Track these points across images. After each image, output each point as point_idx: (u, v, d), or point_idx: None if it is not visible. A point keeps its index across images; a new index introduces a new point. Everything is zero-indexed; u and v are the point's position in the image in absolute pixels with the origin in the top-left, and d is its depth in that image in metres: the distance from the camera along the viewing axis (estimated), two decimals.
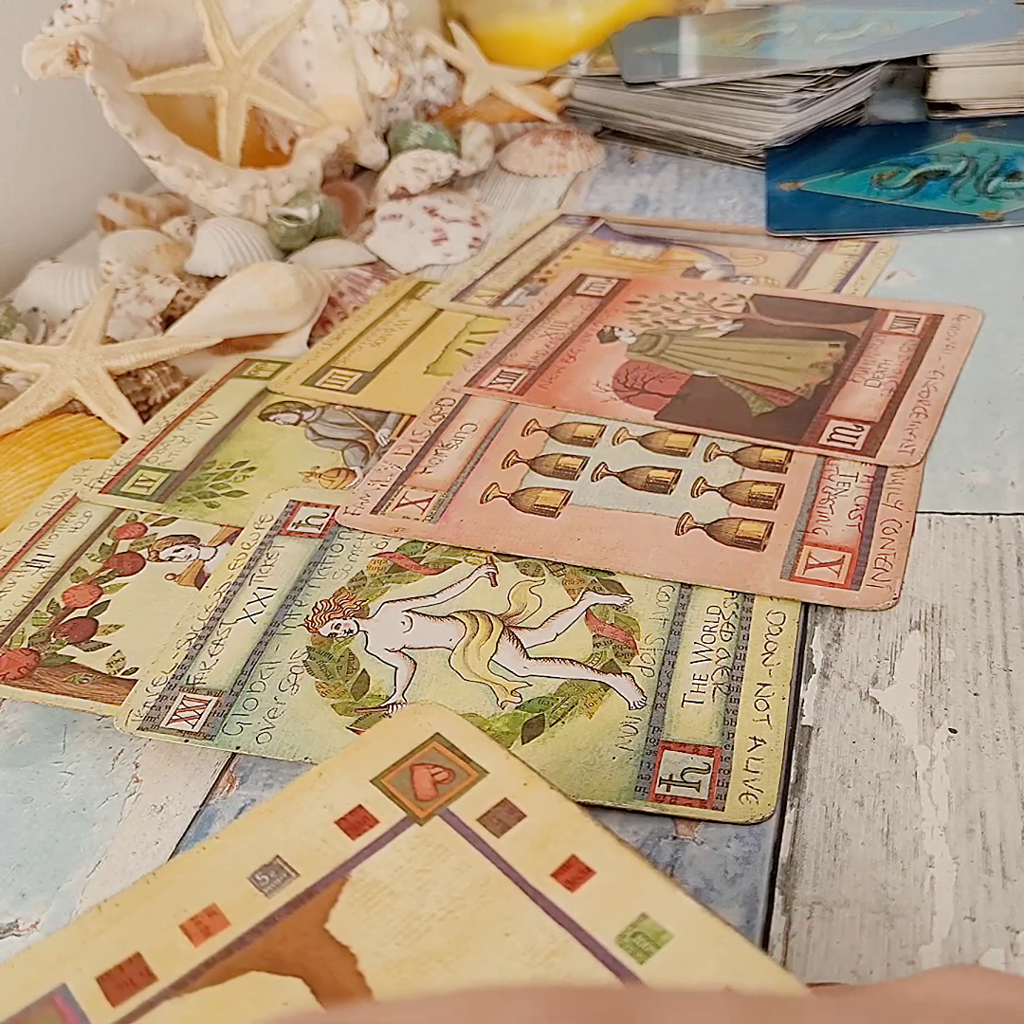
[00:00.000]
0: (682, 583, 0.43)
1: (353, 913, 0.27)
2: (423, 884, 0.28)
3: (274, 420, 0.55)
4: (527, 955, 0.26)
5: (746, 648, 0.40)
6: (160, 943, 0.27)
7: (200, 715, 0.39)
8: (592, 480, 0.48)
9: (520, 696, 0.39)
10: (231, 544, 0.47)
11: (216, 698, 0.40)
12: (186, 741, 0.38)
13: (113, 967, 0.27)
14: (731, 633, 0.40)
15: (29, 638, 0.43)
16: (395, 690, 0.39)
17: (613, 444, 0.51)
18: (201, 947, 0.27)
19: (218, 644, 0.42)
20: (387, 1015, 0.17)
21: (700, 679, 0.39)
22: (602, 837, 0.28)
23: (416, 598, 0.43)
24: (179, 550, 0.47)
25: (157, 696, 0.40)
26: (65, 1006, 0.26)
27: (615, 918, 0.26)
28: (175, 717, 0.39)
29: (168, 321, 0.65)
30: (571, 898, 0.27)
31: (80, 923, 0.28)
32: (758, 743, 0.36)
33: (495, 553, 0.45)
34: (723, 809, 0.34)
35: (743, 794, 0.35)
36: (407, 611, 0.43)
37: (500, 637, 0.41)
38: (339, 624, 0.43)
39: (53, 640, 0.43)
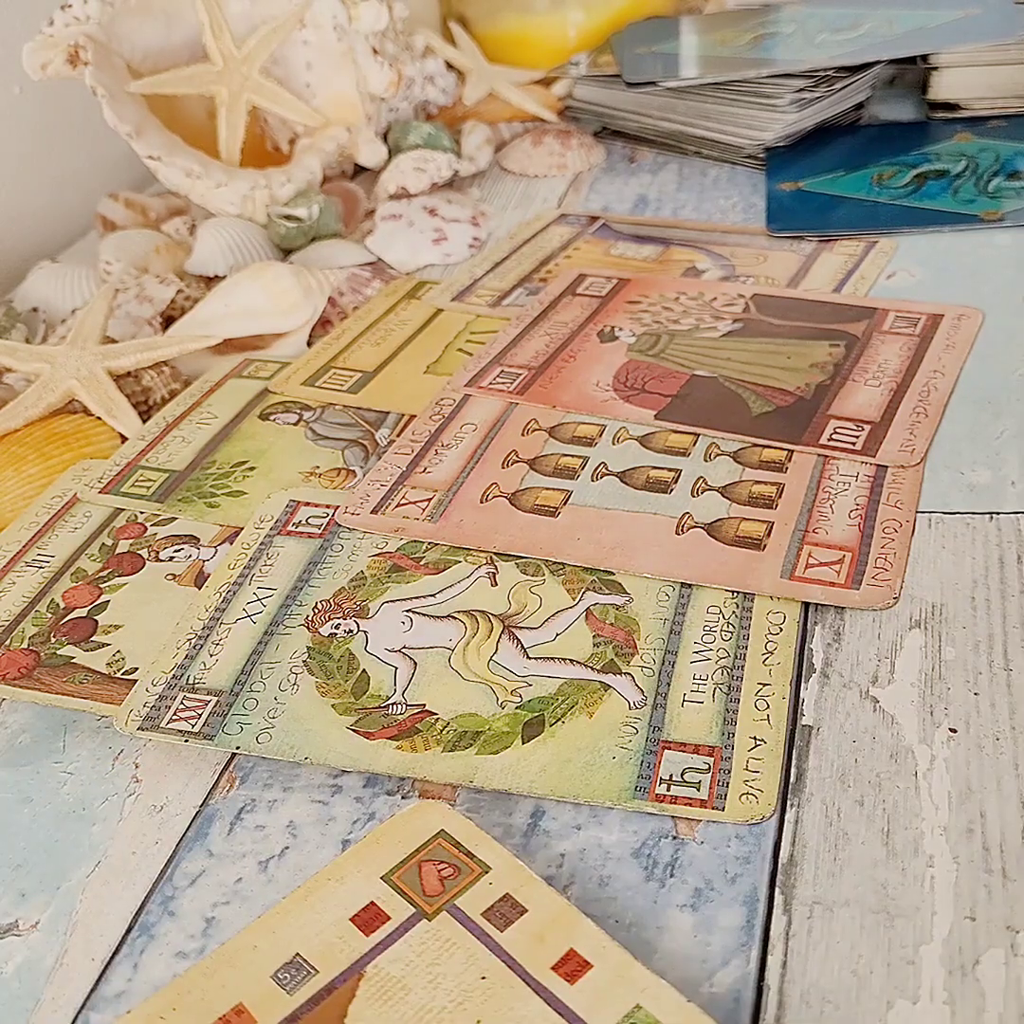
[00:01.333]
0: (682, 583, 0.43)
1: (370, 1007, 0.29)
2: (434, 977, 0.29)
3: (274, 420, 0.55)
4: None
5: (746, 648, 0.40)
6: None
7: (200, 715, 0.39)
8: (592, 480, 0.48)
9: (520, 696, 0.39)
10: (231, 544, 0.47)
11: (216, 698, 0.40)
12: (186, 741, 0.38)
13: None
14: (731, 633, 0.40)
15: (29, 638, 0.43)
16: (395, 690, 0.39)
17: (613, 444, 0.51)
18: None
19: (218, 644, 0.42)
20: None
21: (700, 679, 0.39)
22: (596, 932, 0.30)
23: (416, 598, 0.43)
24: (179, 550, 0.47)
25: (157, 696, 0.40)
26: None
27: (612, 1009, 0.28)
28: (175, 717, 0.39)
29: (168, 321, 0.65)
30: (571, 990, 0.29)
31: None
32: (758, 743, 0.36)
33: (495, 553, 0.45)
34: (723, 809, 0.34)
35: (743, 794, 0.35)
36: (407, 611, 0.43)
37: (500, 637, 0.41)
38: (339, 624, 0.42)
39: (53, 640, 0.43)
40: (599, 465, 0.49)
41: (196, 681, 0.40)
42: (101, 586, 0.46)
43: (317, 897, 0.32)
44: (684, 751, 0.36)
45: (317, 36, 0.76)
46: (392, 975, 0.30)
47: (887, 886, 0.32)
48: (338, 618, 0.43)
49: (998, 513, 0.45)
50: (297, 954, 0.30)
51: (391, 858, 0.33)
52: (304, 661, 0.41)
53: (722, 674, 0.39)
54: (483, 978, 0.29)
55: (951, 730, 0.36)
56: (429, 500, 0.48)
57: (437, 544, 0.46)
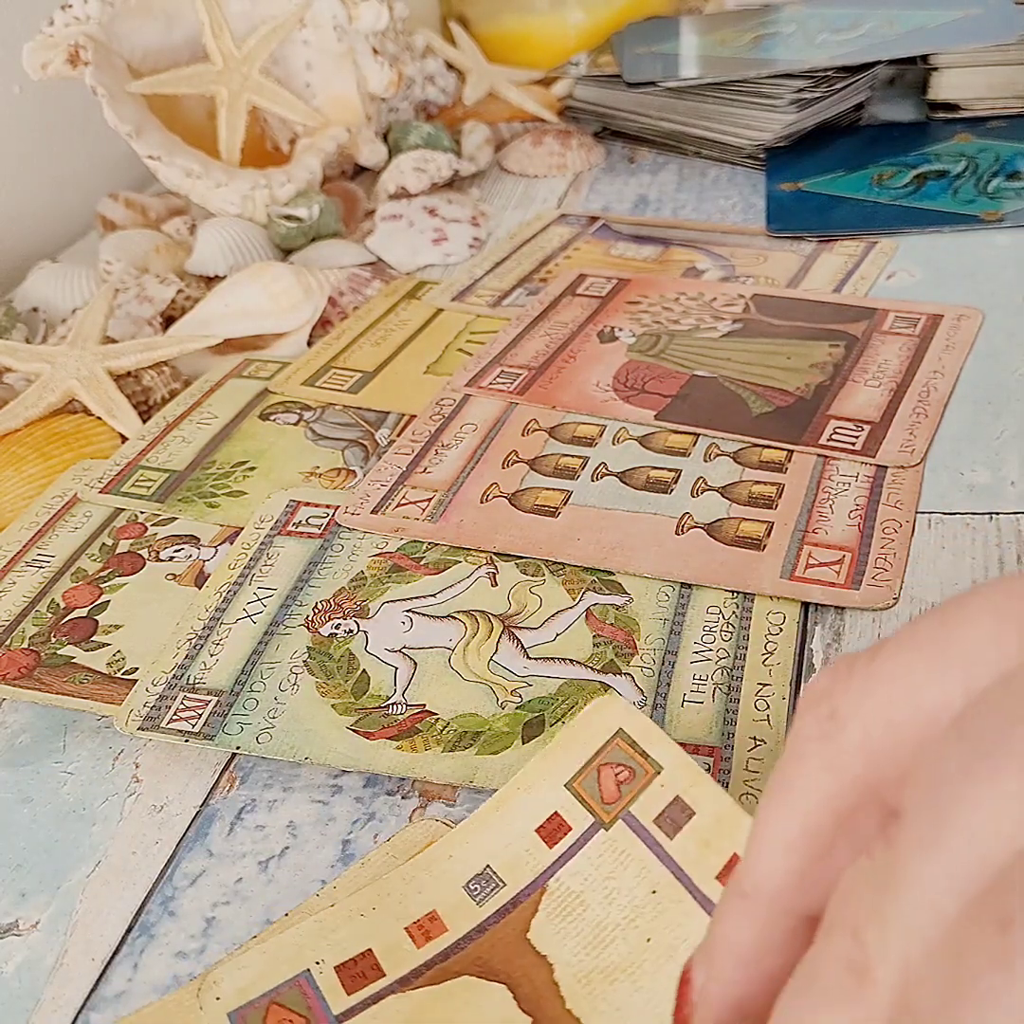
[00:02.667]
0: (682, 583, 0.43)
1: (550, 923, 0.31)
2: (609, 892, 0.31)
3: (274, 420, 0.55)
4: None
5: (746, 648, 0.40)
6: (389, 942, 0.31)
7: (200, 715, 0.39)
8: (592, 480, 0.48)
9: (520, 696, 0.39)
10: (231, 544, 0.47)
11: (216, 698, 0.40)
12: (186, 741, 0.38)
13: (348, 960, 0.30)
14: (731, 633, 0.40)
15: (29, 638, 0.43)
16: (395, 690, 0.39)
17: (613, 444, 0.51)
18: (423, 949, 0.30)
19: (218, 644, 0.42)
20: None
21: (700, 679, 0.39)
22: None
23: (416, 598, 0.43)
24: (179, 550, 0.47)
25: (157, 696, 0.40)
26: (309, 989, 0.30)
27: None
28: (175, 717, 0.39)
29: (168, 321, 0.65)
30: None
31: (320, 918, 0.31)
32: (758, 743, 0.36)
33: (495, 553, 0.45)
34: None
35: (743, 794, 0.35)
36: (407, 611, 0.43)
37: (500, 637, 0.41)
38: (339, 624, 0.42)
39: (53, 640, 0.43)
40: (599, 465, 0.49)
41: (196, 681, 0.40)
42: (101, 586, 0.46)
43: (507, 808, 0.33)
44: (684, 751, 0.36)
45: (317, 36, 0.76)
46: (572, 890, 0.31)
47: None
48: (338, 618, 0.43)
49: (998, 513, 0.45)
50: (487, 866, 0.32)
51: (575, 763, 0.33)
52: (304, 661, 0.41)
53: (722, 674, 0.39)
54: (653, 892, 0.30)
55: None
56: (429, 500, 0.48)
57: (437, 544, 0.46)
